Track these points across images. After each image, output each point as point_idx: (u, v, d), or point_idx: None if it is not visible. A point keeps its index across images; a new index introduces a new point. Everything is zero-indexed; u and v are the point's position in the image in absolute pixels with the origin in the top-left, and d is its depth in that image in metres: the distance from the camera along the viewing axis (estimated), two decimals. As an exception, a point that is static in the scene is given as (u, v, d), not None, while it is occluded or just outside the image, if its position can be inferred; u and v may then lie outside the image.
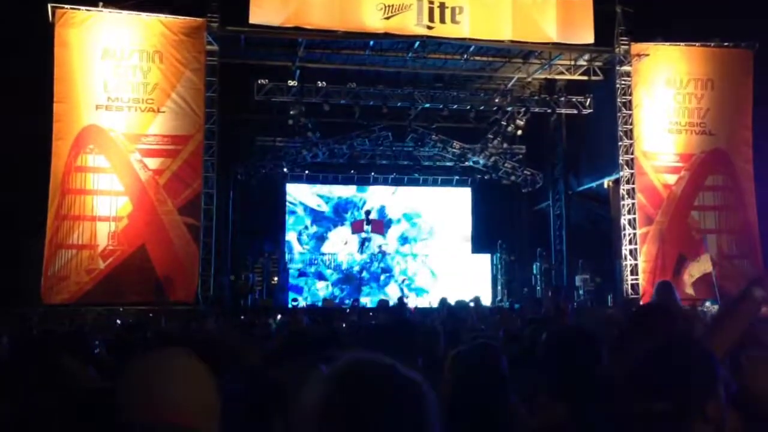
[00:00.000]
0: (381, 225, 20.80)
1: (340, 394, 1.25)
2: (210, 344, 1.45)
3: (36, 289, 13.94)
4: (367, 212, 20.90)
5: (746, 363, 2.63)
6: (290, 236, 20.71)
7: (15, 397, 3.16)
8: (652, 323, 3.21)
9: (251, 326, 8.71)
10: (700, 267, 15.86)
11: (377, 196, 21.32)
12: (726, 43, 17.52)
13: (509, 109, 18.46)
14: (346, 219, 21.33)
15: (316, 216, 21.21)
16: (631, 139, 17.02)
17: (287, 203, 20.78)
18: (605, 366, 2.48)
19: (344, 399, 1.25)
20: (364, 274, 20.68)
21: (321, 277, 20.57)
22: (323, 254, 20.67)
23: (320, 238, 21.05)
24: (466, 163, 20.29)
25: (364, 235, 20.85)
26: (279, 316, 13.02)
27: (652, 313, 3.39)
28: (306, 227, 21.04)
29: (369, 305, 17.19)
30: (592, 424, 2.26)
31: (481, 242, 20.98)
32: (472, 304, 12.68)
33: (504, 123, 18.78)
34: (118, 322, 11.69)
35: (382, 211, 21.49)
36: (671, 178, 17.15)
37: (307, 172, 20.37)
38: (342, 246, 20.95)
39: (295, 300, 18.95)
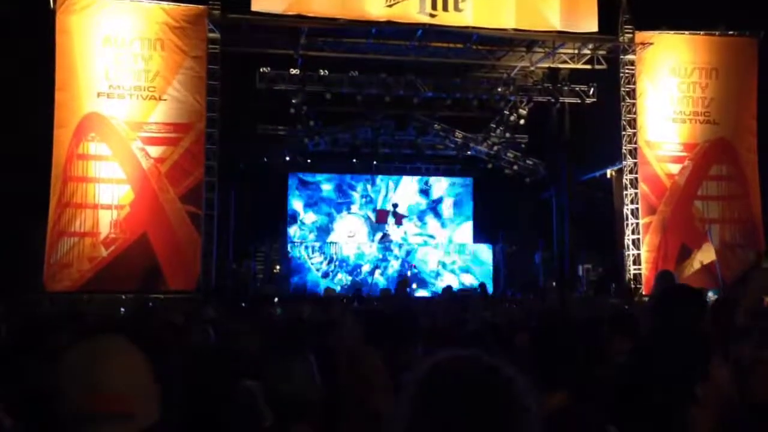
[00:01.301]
0: (401, 219, 20.61)
1: (428, 396, 1.26)
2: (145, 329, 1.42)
3: (38, 276, 13.97)
4: (395, 204, 20.64)
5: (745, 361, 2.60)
6: (292, 230, 20.43)
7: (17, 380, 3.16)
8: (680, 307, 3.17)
9: (253, 314, 8.71)
10: (702, 256, 15.82)
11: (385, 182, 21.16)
12: (731, 32, 17.41)
13: (512, 98, 18.39)
14: (353, 200, 20.92)
15: (311, 197, 20.71)
16: (634, 128, 16.97)
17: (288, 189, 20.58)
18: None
19: (432, 401, 1.25)
20: (379, 278, 18.90)
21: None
22: (325, 245, 19.86)
23: (323, 230, 20.70)
24: (469, 153, 20.24)
25: (386, 227, 20.39)
26: (276, 299, 13.01)
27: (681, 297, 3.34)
28: (298, 216, 20.54)
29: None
30: (586, 413, 2.24)
31: (483, 232, 20.95)
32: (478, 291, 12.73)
33: (507, 112, 18.73)
34: (122, 310, 11.73)
35: (427, 191, 21.16)
36: (675, 168, 17.08)
37: (309, 160, 20.33)
38: (347, 238, 20.17)
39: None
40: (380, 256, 19.39)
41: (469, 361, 1.31)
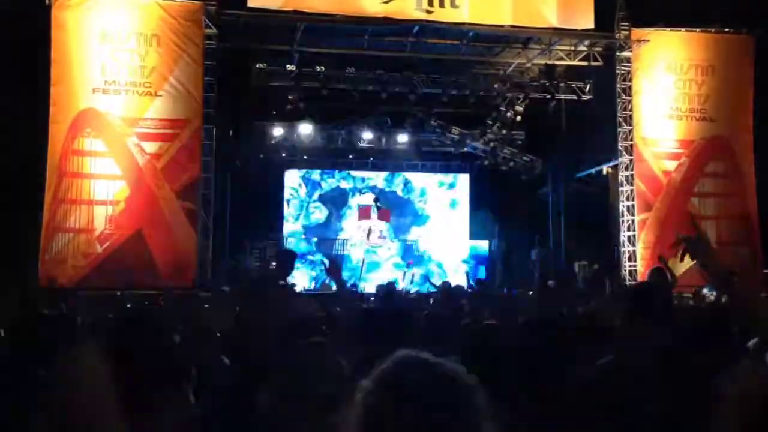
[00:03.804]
0: (388, 213, 20.58)
1: (384, 396, 1.23)
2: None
3: (33, 272, 13.92)
4: (376, 198, 20.57)
5: None
6: (288, 226, 20.29)
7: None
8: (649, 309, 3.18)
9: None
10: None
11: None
12: (727, 29, 17.41)
13: (508, 94, 18.37)
14: (353, 196, 20.77)
15: (308, 193, 20.50)
16: (630, 125, 16.97)
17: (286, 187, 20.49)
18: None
19: (388, 401, 1.22)
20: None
21: None
22: (323, 243, 19.67)
23: (323, 226, 20.53)
24: (465, 149, 20.22)
25: (370, 223, 20.34)
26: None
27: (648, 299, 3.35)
28: (294, 212, 20.33)
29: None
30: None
31: (479, 228, 20.96)
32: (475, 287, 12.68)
33: (503, 109, 18.70)
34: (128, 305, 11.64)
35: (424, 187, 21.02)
36: (671, 165, 17.09)
37: (305, 157, 20.29)
38: (360, 235, 19.97)
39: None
40: (399, 259, 19.25)
41: (422, 368, 1.27)
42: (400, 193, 21.33)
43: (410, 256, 20.12)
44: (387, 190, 21.22)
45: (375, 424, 1.21)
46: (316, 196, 20.78)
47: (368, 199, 20.67)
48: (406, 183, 21.35)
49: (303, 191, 20.75)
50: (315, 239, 20.00)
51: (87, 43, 14.68)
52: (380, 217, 20.38)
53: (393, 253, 20.27)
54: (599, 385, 2.48)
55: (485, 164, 20.60)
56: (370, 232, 20.12)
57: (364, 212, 20.50)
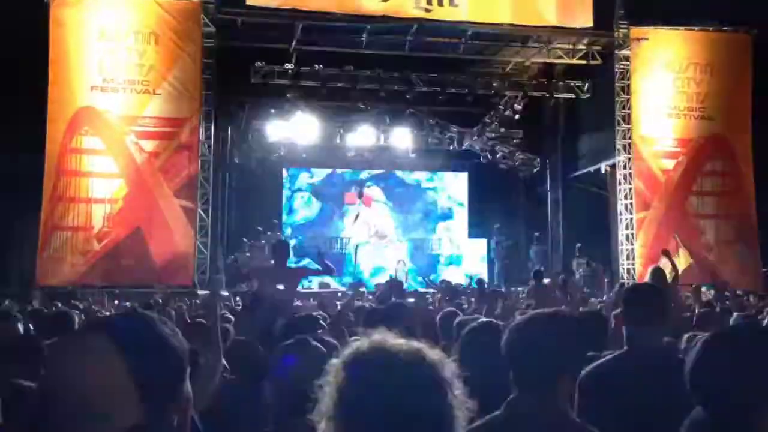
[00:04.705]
0: (371, 200, 20.40)
1: (353, 380, 1.26)
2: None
3: (31, 271, 13.92)
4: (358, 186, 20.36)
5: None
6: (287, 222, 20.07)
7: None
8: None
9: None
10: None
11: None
12: (725, 28, 17.41)
13: (507, 93, 18.37)
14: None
15: (306, 191, 20.20)
16: (629, 123, 16.97)
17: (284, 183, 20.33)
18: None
19: (357, 385, 1.25)
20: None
21: None
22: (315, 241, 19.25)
23: (321, 224, 20.42)
24: (463, 147, 20.20)
25: (357, 209, 20.07)
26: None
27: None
28: (292, 211, 20.14)
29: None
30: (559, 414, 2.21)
31: (477, 226, 20.95)
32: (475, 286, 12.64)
33: (502, 107, 18.70)
34: (128, 304, 11.65)
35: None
36: (669, 164, 17.09)
37: (304, 155, 20.25)
38: (350, 229, 19.69)
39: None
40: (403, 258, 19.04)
41: (390, 348, 1.30)
42: (418, 177, 21.08)
43: (422, 258, 19.87)
44: (398, 175, 20.89)
45: (342, 404, 1.25)
46: (303, 183, 20.44)
47: (372, 192, 20.49)
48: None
49: (284, 176, 20.10)
50: (294, 241, 19.51)
51: (85, 40, 14.65)
52: (365, 203, 20.11)
53: (400, 255, 19.88)
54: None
55: (483, 162, 20.59)
56: (357, 217, 19.87)
57: (349, 198, 20.20)
